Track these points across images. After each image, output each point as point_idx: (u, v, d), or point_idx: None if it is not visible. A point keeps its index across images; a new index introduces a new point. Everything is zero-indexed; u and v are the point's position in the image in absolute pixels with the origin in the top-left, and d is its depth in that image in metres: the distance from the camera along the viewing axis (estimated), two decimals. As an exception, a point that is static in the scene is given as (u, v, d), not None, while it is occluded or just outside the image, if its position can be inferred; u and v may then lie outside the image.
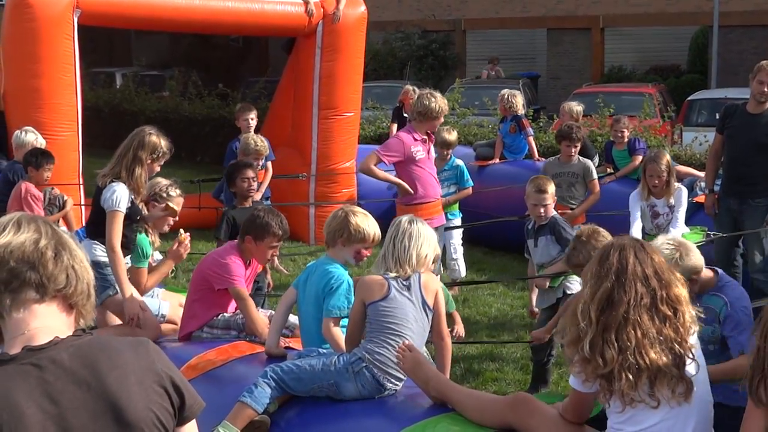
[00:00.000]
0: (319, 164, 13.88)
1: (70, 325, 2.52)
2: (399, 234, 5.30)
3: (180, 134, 21.07)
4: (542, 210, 7.94)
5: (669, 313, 4.04)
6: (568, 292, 7.53)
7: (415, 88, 15.21)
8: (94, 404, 2.37)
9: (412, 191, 9.27)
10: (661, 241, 5.47)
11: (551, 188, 8.02)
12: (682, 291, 4.13)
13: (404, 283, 5.20)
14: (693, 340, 4.14)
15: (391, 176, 9.55)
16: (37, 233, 2.50)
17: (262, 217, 6.68)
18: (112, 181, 6.82)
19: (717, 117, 10.43)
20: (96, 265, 6.83)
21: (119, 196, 6.79)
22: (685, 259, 5.28)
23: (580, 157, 10.65)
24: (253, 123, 11.86)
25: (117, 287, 6.81)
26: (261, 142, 9.82)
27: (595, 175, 10.55)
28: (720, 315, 5.41)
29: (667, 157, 8.93)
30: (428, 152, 9.48)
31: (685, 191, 8.96)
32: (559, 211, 9.15)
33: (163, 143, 6.98)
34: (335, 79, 13.83)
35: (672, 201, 8.78)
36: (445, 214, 10.48)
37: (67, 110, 12.16)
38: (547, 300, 7.84)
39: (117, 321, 6.98)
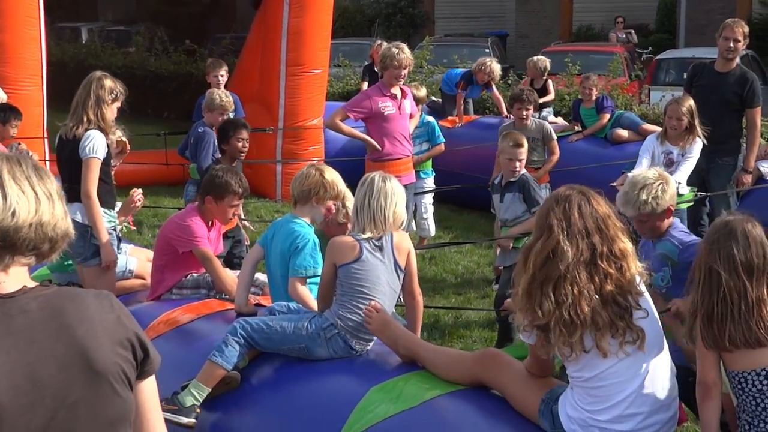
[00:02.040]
0: (286, 121, 13.79)
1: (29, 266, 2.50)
2: (374, 193, 5.16)
3: (146, 90, 20.98)
4: (517, 164, 7.83)
5: (611, 270, 4.10)
6: None
7: (385, 43, 15.19)
8: (63, 354, 2.37)
9: (378, 147, 9.22)
10: (650, 173, 5.53)
11: (526, 143, 7.93)
12: (626, 245, 4.19)
13: (376, 243, 5.14)
14: (640, 287, 4.21)
15: (357, 131, 9.51)
16: None
17: (221, 176, 6.66)
18: (87, 130, 6.74)
19: (685, 76, 10.44)
20: (90, 230, 6.79)
21: (96, 143, 6.72)
22: (664, 194, 5.38)
23: (537, 120, 10.50)
24: (224, 79, 11.75)
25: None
26: (226, 97, 9.73)
27: (554, 136, 10.37)
28: (673, 257, 5.43)
29: (691, 102, 8.74)
30: (399, 108, 9.38)
31: (699, 144, 8.69)
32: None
33: (117, 85, 6.92)
34: (303, 35, 13.71)
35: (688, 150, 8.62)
36: (418, 172, 10.48)
37: (31, 65, 12.04)
38: (509, 259, 7.83)
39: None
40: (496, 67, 13.71)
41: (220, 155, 8.83)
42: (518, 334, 4.35)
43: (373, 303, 5.04)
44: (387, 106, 9.24)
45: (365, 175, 5.45)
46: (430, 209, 10.95)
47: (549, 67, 14.27)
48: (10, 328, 2.33)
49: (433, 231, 11.06)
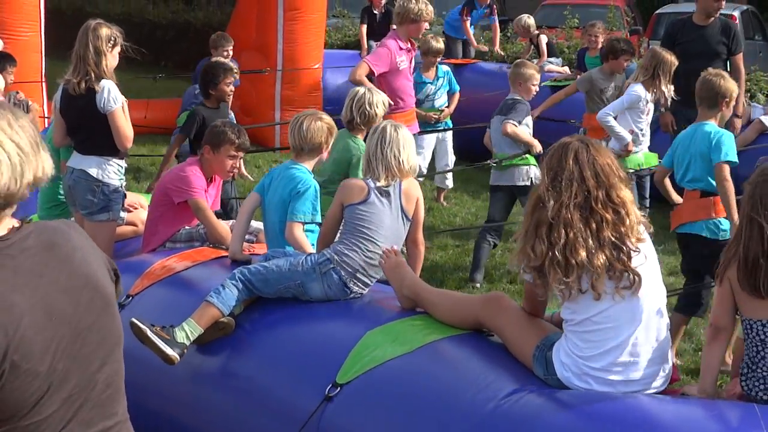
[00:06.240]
0: (284, 67, 13.75)
1: None
2: (387, 141, 5.28)
3: (144, 38, 20.83)
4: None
5: (608, 215, 4.11)
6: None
7: None
8: (69, 284, 2.43)
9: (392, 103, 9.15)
10: None
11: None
12: (626, 193, 4.20)
13: (385, 189, 5.23)
14: (642, 234, 4.22)
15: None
16: None
17: (218, 126, 6.70)
18: (98, 81, 6.66)
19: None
20: (105, 187, 6.78)
21: (115, 93, 6.68)
22: None
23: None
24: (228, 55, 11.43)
25: (113, 214, 6.84)
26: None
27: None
28: None
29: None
30: (410, 62, 9.37)
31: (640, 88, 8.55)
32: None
33: (113, 30, 6.82)
34: (300, -22, 13.63)
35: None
36: (443, 123, 10.93)
37: (29, 10, 11.92)
38: (496, 179, 8.64)
39: None
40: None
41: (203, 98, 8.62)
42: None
43: (394, 247, 5.13)
44: (402, 61, 9.18)
45: (376, 125, 5.62)
46: (452, 160, 11.10)
47: (533, 24, 14.29)
48: (18, 268, 2.35)
49: (451, 183, 11.31)
